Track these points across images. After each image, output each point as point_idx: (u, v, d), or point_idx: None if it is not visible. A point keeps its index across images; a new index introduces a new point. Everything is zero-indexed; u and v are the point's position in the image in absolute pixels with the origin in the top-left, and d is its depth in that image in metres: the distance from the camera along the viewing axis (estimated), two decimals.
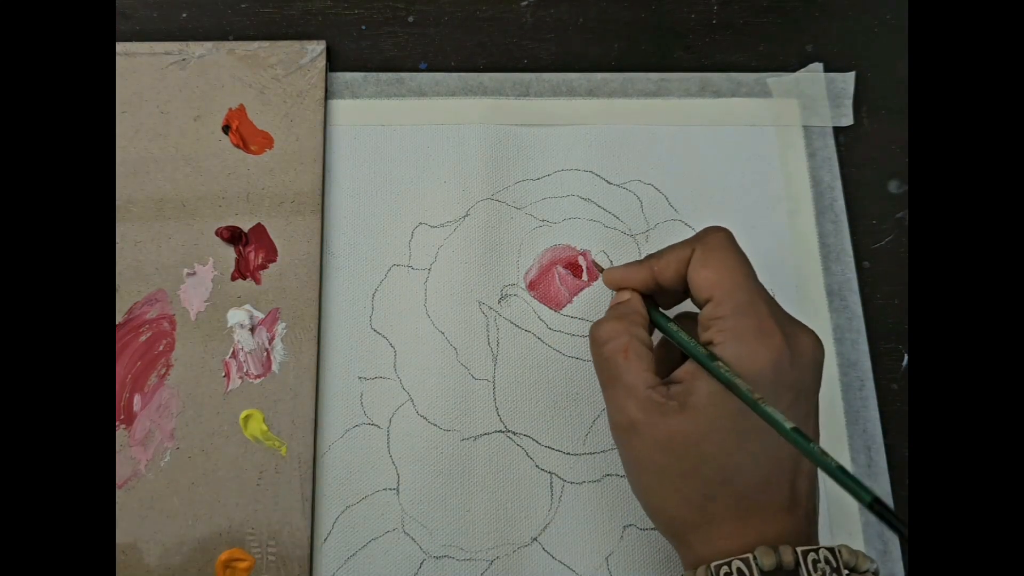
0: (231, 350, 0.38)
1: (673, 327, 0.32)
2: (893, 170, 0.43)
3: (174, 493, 0.36)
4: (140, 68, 0.42)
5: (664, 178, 0.42)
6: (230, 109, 0.42)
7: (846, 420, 0.39)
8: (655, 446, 0.29)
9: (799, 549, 0.27)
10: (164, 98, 0.42)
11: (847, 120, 0.44)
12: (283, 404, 0.37)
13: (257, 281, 0.39)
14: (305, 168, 0.41)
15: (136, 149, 0.41)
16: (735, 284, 0.30)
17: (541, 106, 0.43)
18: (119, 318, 0.38)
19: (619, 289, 0.34)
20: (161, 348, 0.38)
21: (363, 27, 0.45)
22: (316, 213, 0.40)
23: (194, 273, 0.39)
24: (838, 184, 0.43)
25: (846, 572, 0.27)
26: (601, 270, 0.39)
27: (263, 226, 0.40)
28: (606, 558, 0.37)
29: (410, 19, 0.45)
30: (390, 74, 0.44)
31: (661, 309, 0.34)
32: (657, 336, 0.34)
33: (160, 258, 0.39)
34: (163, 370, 0.38)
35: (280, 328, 0.39)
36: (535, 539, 0.37)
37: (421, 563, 0.36)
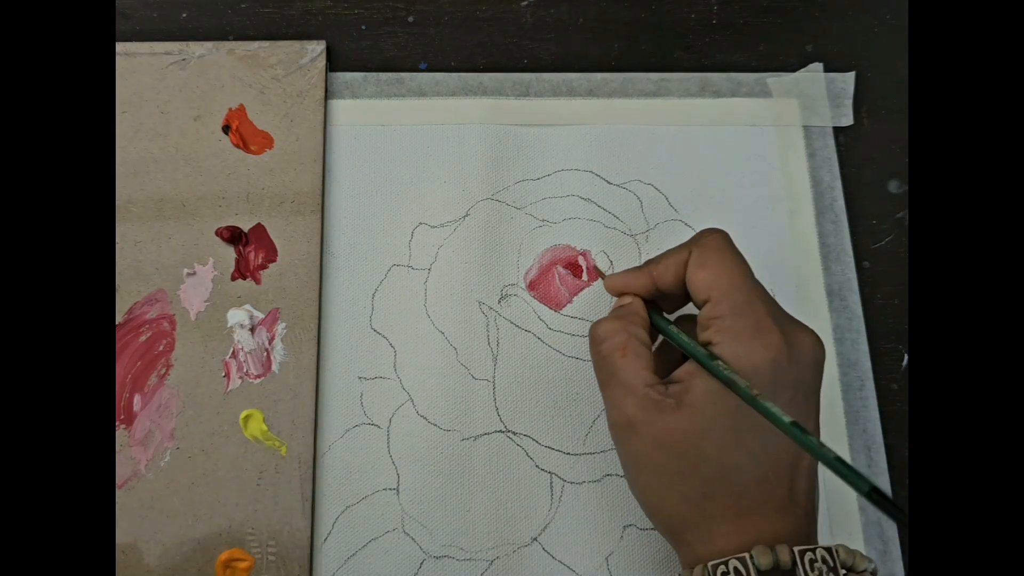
0: (231, 350, 0.38)
1: (673, 329, 0.32)
2: (893, 170, 0.43)
3: (174, 493, 0.36)
4: (140, 68, 0.42)
5: (664, 178, 0.42)
6: (230, 109, 0.42)
7: (846, 420, 0.39)
8: (653, 444, 0.29)
9: (796, 549, 0.27)
10: (164, 98, 0.42)
11: (847, 120, 0.44)
12: (283, 404, 0.37)
13: (257, 281, 0.39)
14: (305, 168, 0.41)
15: (136, 149, 0.41)
16: (732, 284, 0.30)
17: (541, 106, 0.43)
18: (119, 318, 0.38)
19: (620, 295, 0.35)
20: (161, 348, 0.38)
21: (363, 27, 0.45)
22: (316, 213, 0.40)
23: (194, 273, 0.39)
24: (838, 184, 0.43)
25: (843, 572, 0.27)
26: (603, 276, 0.39)
27: (263, 226, 0.40)
28: (606, 558, 0.37)
29: (410, 19, 0.45)
30: (390, 74, 0.44)
31: (664, 313, 0.34)
32: (658, 339, 0.35)
33: (160, 258, 0.39)
34: (163, 370, 0.38)
35: (280, 328, 0.39)
36: (535, 539, 0.37)
37: (421, 563, 0.36)
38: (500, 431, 0.38)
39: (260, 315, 0.39)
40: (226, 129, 0.41)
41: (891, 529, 0.37)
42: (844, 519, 0.38)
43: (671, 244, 0.34)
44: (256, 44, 0.43)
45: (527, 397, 0.38)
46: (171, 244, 0.40)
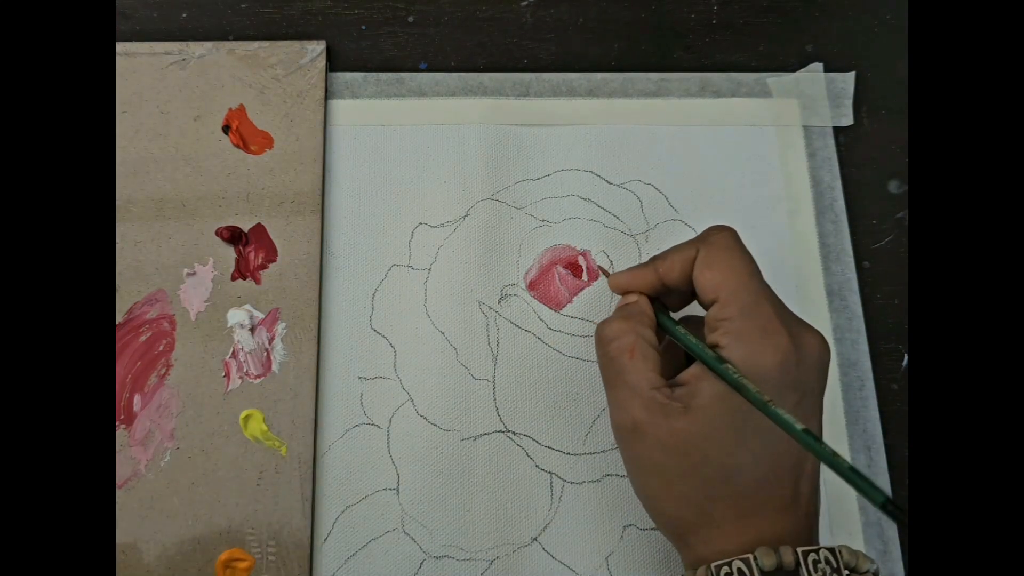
0: (231, 350, 0.38)
1: (680, 330, 0.32)
2: (893, 170, 0.43)
3: (174, 493, 0.36)
4: (140, 68, 0.42)
5: (664, 178, 0.42)
6: (230, 109, 0.42)
7: (846, 420, 0.39)
8: (657, 446, 0.29)
9: (799, 549, 0.27)
10: (164, 98, 0.42)
11: (847, 120, 0.44)
12: (283, 404, 0.37)
13: (257, 281, 0.39)
14: (305, 168, 0.41)
15: (136, 149, 0.41)
16: (740, 285, 0.30)
17: (541, 106, 0.43)
18: (119, 318, 0.38)
19: (625, 293, 0.34)
20: (161, 348, 0.38)
21: (363, 27, 0.45)
22: (316, 213, 0.40)
23: (194, 273, 0.39)
24: (838, 184, 0.43)
25: (846, 572, 0.27)
26: (606, 274, 0.38)
27: (263, 226, 0.40)
28: (606, 558, 0.37)
29: (410, 19, 0.45)
30: (390, 74, 0.44)
31: (669, 311, 0.34)
32: (663, 339, 0.34)
33: (160, 258, 0.39)
34: (163, 370, 0.38)
35: (280, 328, 0.39)
36: (535, 539, 0.37)
37: (421, 563, 0.36)
38: (500, 431, 0.38)
39: (260, 315, 0.39)
40: (226, 129, 0.41)
41: (891, 529, 0.37)
42: (844, 519, 0.38)
43: (671, 244, 0.33)
44: (256, 44, 0.43)
45: (527, 397, 0.38)
46: (171, 244, 0.40)
